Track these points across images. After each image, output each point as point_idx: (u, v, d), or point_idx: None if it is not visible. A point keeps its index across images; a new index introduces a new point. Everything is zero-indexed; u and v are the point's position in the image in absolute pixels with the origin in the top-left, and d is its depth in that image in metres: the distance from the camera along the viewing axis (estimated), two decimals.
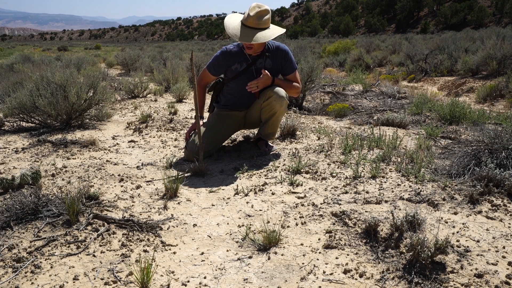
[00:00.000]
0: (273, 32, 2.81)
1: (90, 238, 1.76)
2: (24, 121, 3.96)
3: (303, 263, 1.61)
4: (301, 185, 2.40)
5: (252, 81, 2.84)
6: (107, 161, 2.91)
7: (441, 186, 2.25)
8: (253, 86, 2.83)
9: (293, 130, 3.44)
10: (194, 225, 1.95)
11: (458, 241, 1.70)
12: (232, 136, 3.42)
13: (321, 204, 2.12)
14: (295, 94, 3.07)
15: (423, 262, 1.52)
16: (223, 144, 3.26)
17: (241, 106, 3.08)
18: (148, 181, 2.53)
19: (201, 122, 2.93)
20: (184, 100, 5.45)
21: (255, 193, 2.32)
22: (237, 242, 1.79)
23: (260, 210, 2.10)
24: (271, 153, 3.02)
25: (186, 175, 2.60)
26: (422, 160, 2.61)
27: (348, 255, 1.65)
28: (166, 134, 3.70)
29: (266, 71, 2.85)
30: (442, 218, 1.90)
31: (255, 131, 3.38)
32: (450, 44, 11.50)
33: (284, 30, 2.93)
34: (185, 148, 2.98)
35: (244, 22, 2.78)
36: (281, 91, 2.85)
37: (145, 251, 1.71)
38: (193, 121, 4.15)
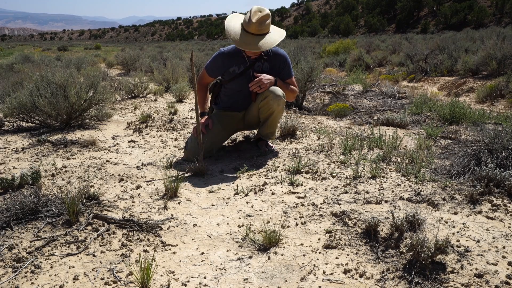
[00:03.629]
0: (275, 38, 2.80)
1: (90, 238, 1.76)
2: (24, 121, 3.96)
3: (303, 263, 1.61)
4: (301, 185, 2.40)
5: (255, 81, 2.81)
6: (107, 161, 2.91)
7: (441, 186, 2.25)
8: (255, 87, 2.81)
9: (293, 130, 3.44)
10: (194, 225, 1.95)
11: (458, 241, 1.70)
12: (232, 136, 3.42)
13: (321, 204, 2.12)
14: (291, 98, 3.06)
15: (423, 262, 1.52)
16: (223, 144, 3.26)
17: (238, 107, 3.08)
18: (148, 181, 2.53)
19: (203, 120, 2.93)
20: (184, 100, 5.45)
21: (255, 193, 2.32)
22: (237, 242, 1.79)
23: (260, 210, 2.10)
24: (271, 153, 3.02)
25: (186, 175, 2.60)
26: (422, 160, 2.61)
27: (348, 255, 1.65)
28: (166, 134, 3.70)
29: (272, 76, 2.85)
30: (442, 218, 1.90)
31: (255, 131, 3.38)
32: (450, 44, 11.50)
33: (284, 33, 2.93)
34: (184, 148, 2.98)
35: (245, 28, 2.75)
36: (278, 90, 2.84)
37: (145, 251, 1.71)
38: (193, 120, 4.15)
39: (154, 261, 1.60)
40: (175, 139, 3.53)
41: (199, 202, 2.23)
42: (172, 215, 2.05)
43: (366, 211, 1.99)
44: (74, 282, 1.49)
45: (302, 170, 2.60)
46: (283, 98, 2.86)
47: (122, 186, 2.43)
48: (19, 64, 8.72)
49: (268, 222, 1.94)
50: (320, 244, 1.74)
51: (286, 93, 2.92)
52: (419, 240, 1.54)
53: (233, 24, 2.85)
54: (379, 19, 59.62)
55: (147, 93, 6.04)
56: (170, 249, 1.73)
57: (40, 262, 1.59)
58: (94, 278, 1.51)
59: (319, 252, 1.68)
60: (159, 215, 2.05)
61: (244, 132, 3.65)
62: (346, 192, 2.25)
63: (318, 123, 4.17)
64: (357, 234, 1.80)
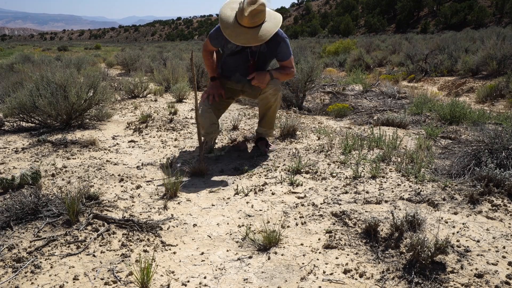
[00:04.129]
0: (270, 29, 2.70)
1: (90, 238, 1.76)
2: (24, 121, 3.96)
3: (303, 263, 1.61)
4: (301, 185, 2.40)
5: (254, 79, 2.82)
6: (107, 161, 2.91)
7: (441, 186, 2.25)
8: (255, 82, 2.85)
9: (293, 130, 3.44)
10: (194, 225, 1.95)
11: (458, 241, 1.70)
12: (232, 136, 3.42)
13: (321, 204, 2.12)
14: (290, 78, 3.18)
15: (423, 262, 1.52)
16: (223, 144, 3.26)
17: (236, 80, 3.09)
18: (148, 181, 2.53)
19: (214, 83, 2.98)
20: (184, 100, 5.45)
21: (255, 193, 2.32)
22: (237, 242, 1.79)
23: (260, 210, 2.10)
24: (271, 153, 3.02)
25: (186, 175, 2.60)
26: (422, 160, 2.61)
27: (348, 255, 1.65)
28: (166, 134, 3.70)
29: (267, 75, 2.84)
30: (442, 218, 1.90)
31: (255, 131, 3.38)
32: (450, 44, 11.50)
33: (280, 20, 2.80)
34: (198, 122, 2.92)
35: (238, 20, 2.66)
36: (274, 84, 2.87)
37: (145, 251, 1.71)
38: (194, 121, 4.15)
39: (154, 261, 1.60)
40: (175, 139, 3.53)
41: (199, 202, 2.23)
42: (172, 215, 2.05)
43: (366, 211, 1.99)
44: (74, 282, 1.49)
45: (302, 170, 2.60)
46: (279, 91, 2.93)
47: (122, 186, 2.43)
48: (19, 64, 8.71)
49: (268, 222, 1.94)
50: (320, 244, 1.74)
51: (284, 78, 3.02)
52: (419, 240, 1.54)
53: (228, 14, 2.75)
54: (379, 19, 59.58)
55: (147, 93, 6.04)
56: (170, 249, 1.73)
57: (40, 262, 1.59)
58: (94, 278, 1.51)
59: (319, 252, 1.68)
60: (159, 215, 2.05)
61: (244, 132, 3.66)
62: (346, 192, 2.25)
63: (318, 123, 4.17)
64: (357, 234, 1.80)
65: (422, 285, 1.44)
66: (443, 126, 3.83)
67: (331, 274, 1.54)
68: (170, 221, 1.97)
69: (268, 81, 2.86)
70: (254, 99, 3.32)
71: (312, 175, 2.54)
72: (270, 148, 3.08)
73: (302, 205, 2.12)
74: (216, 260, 1.65)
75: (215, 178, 2.61)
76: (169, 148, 3.29)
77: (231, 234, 1.86)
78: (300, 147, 3.16)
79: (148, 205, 2.16)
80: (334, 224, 1.90)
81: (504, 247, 1.66)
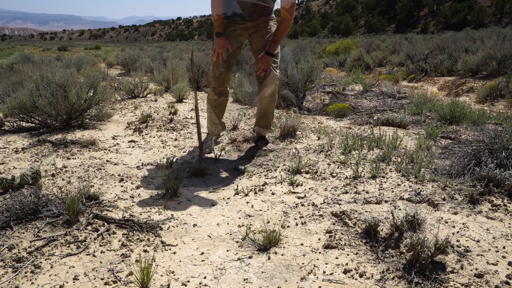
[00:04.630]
0: None
1: (90, 238, 1.76)
2: (24, 121, 3.96)
3: (303, 263, 1.61)
4: (301, 185, 2.40)
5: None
6: (107, 161, 2.91)
7: (441, 186, 2.25)
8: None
9: (293, 130, 3.44)
10: (194, 225, 1.95)
11: (458, 241, 1.70)
12: (232, 136, 3.42)
13: (321, 204, 2.12)
14: (289, 27, 3.07)
15: (423, 262, 1.52)
16: (223, 143, 3.26)
17: (248, 15, 2.98)
18: (148, 181, 2.53)
19: (221, 40, 2.89)
20: (184, 100, 5.45)
21: (255, 193, 2.32)
22: (237, 242, 1.79)
23: (260, 210, 2.10)
24: (271, 153, 3.02)
25: (186, 175, 2.61)
26: (422, 160, 2.61)
27: (348, 255, 1.65)
28: (166, 134, 3.70)
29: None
30: (442, 218, 1.90)
31: (255, 132, 3.38)
32: (450, 44, 11.49)
33: None
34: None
35: None
36: (272, 77, 2.89)
37: (145, 251, 1.71)
38: (194, 120, 4.15)
39: (154, 261, 1.60)
40: (175, 139, 3.53)
41: (199, 202, 2.23)
42: (172, 215, 2.05)
43: (366, 211, 1.99)
44: (74, 282, 1.49)
45: (302, 170, 2.60)
46: (275, 83, 2.96)
47: (122, 186, 2.43)
48: (19, 64, 8.71)
49: (268, 222, 1.94)
50: (320, 244, 1.74)
51: (283, 36, 2.94)
52: (419, 240, 1.54)
53: None
54: (379, 19, 59.57)
55: (147, 93, 6.04)
56: (170, 249, 1.73)
57: (40, 262, 1.59)
58: (94, 278, 1.51)
59: (319, 252, 1.68)
60: (159, 215, 2.05)
61: (244, 132, 3.66)
62: (346, 192, 2.25)
63: (318, 123, 4.17)
64: (357, 234, 1.80)
65: (422, 285, 1.44)
66: (443, 126, 3.83)
67: (331, 274, 1.54)
68: (170, 221, 1.97)
69: (271, 61, 2.86)
70: (259, 47, 3.08)
71: (312, 175, 2.54)
72: (270, 148, 3.08)
73: (302, 205, 2.12)
74: (216, 260, 1.65)
75: (215, 178, 2.61)
76: (169, 148, 3.29)
77: (231, 234, 1.86)
78: (300, 147, 3.16)
79: (148, 205, 2.16)
80: (334, 224, 1.90)
81: (504, 247, 1.66)
